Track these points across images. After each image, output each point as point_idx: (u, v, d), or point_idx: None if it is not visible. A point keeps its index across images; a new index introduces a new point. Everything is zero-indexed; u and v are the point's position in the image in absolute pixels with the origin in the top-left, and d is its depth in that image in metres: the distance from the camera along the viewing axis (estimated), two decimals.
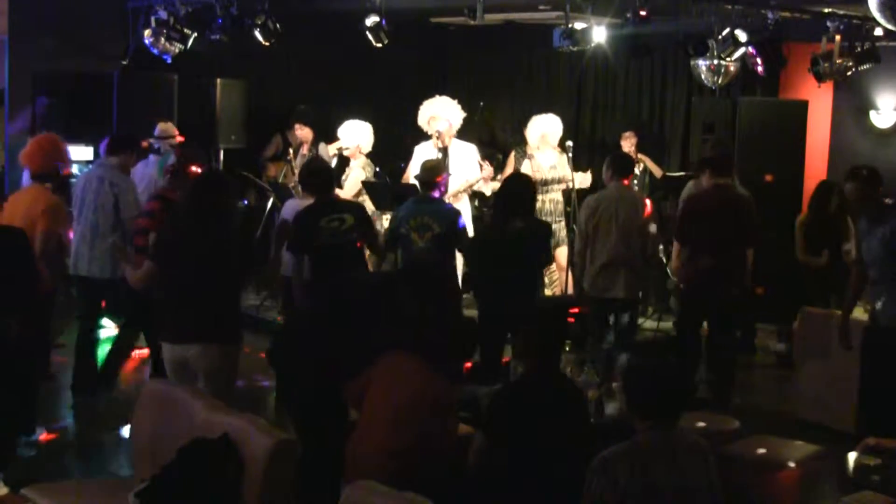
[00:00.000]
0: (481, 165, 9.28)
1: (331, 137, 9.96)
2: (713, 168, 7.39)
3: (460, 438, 4.88)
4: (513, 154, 10.40)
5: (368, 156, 9.34)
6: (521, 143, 10.51)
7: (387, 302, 5.05)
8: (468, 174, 8.98)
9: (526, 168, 9.57)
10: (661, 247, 10.15)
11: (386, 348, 4.73)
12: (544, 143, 9.49)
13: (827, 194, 8.24)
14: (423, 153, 9.18)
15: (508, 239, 6.63)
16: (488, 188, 9.51)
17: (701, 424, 5.61)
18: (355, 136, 9.25)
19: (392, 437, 4.39)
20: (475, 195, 9.65)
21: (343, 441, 4.66)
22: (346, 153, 9.28)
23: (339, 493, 4.92)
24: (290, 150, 10.06)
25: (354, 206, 7.12)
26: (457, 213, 7.28)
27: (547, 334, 4.57)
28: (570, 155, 9.37)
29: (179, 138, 8.68)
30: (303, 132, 9.89)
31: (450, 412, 4.61)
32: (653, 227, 7.39)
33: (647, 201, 7.60)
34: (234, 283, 5.46)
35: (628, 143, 10.22)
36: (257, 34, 8.90)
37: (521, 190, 6.89)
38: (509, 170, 10.22)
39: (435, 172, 7.26)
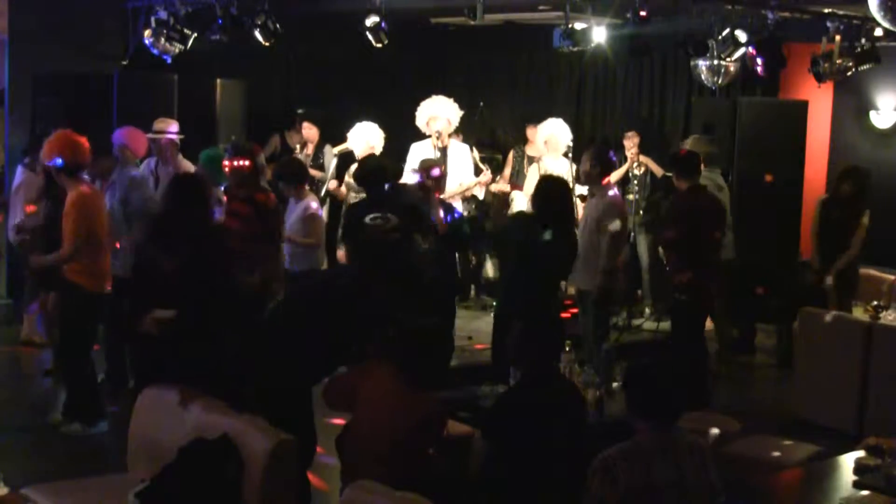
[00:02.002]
0: (481, 169, 9.29)
1: (330, 137, 9.98)
2: (681, 170, 7.54)
3: (460, 439, 4.88)
4: (511, 154, 10.42)
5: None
6: (520, 143, 10.52)
7: (360, 301, 5.04)
8: (463, 176, 9.00)
9: (533, 172, 9.58)
10: (660, 247, 10.19)
11: (358, 350, 4.75)
12: (549, 149, 9.50)
13: (842, 177, 8.38)
14: (420, 153, 9.19)
15: (540, 245, 6.65)
16: (481, 192, 9.53)
17: (701, 425, 5.62)
18: (367, 138, 9.26)
19: (387, 453, 4.42)
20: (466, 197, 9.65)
21: (306, 437, 4.68)
22: (358, 154, 9.28)
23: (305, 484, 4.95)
24: (302, 149, 10.06)
25: (406, 208, 7.10)
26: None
27: (543, 336, 4.55)
28: (570, 156, 9.38)
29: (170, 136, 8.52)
30: (311, 132, 9.98)
31: (434, 426, 4.64)
32: (615, 225, 7.34)
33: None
34: None
35: (631, 143, 10.20)
36: (257, 34, 8.90)
37: (560, 196, 6.87)
38: (508, 169, 10.24)
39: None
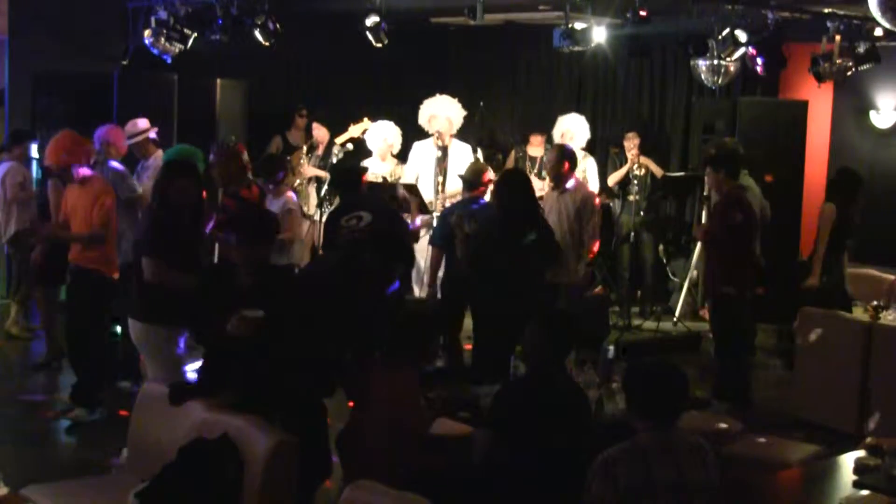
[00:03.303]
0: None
1: (331, 137, 9.99)
2: (729, 170, 7.49)
3: (460, 438, 4.88)
4: (512, 154, 10.43)
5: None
6: (520, 143, 10.53)
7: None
8: None
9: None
10: (660, 247, 10.20)
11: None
12: (565, 142, 9.59)
13: (853, 184, 7.79)
14: (422, 151, 9.21)
15: (518, 240, 6.65)
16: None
17: (701, 425, 5.62)
18: (385, 135, 9.31)
19: (387, 453, 4.43)
20: None
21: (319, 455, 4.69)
22: (377, 153, 9.33)
23: None
24: (312, 151, 10.06)
25: (376, 204, 7.14)
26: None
27: (555, 334, 4.56)
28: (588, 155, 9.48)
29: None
30: (320, 132, 10.02)
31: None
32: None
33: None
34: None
35: (631, 144, 10.20)
36: (257, 34, 8.90)
37: (526, 190, 6.87)
38: None
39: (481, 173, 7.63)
